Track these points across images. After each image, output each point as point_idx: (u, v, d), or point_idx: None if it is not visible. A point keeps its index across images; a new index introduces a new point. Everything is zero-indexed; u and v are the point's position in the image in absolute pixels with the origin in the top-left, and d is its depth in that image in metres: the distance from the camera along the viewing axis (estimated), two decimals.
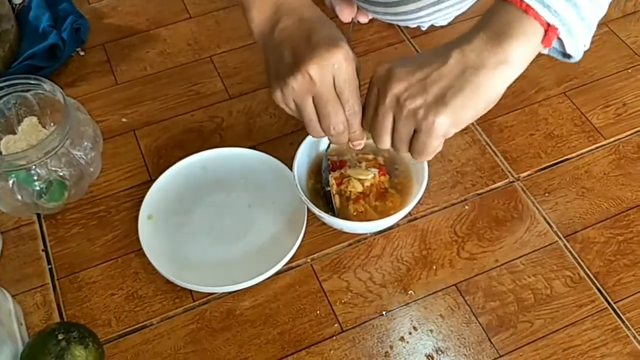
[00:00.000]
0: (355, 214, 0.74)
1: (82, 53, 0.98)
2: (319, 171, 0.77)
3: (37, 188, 0.73)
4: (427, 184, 0.72)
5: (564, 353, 0.69)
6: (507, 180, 0.82)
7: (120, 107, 0.91)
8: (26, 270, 0.76)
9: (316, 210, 0.71)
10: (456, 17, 0.96)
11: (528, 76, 0.92)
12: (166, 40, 1.00)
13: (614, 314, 0.71)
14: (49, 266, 0.76)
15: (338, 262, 0.76)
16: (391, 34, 0.99)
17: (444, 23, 0.97)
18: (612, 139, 0.86)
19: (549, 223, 0.78)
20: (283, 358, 0.69)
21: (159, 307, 0.73)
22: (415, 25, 0.97)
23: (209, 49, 0.98)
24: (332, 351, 0.69)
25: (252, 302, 0.73)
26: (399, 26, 1.00)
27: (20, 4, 1.00)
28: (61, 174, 0.74)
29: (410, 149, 0.59)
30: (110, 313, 0.72)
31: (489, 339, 0.70)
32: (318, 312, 0.72)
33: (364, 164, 0.77)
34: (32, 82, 0.76)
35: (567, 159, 0.84)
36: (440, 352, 0.69)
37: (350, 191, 0.74)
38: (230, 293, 0.73)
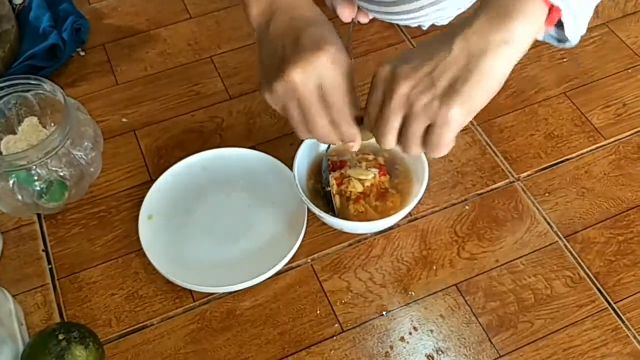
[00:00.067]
0: (355, 214, 0.74)
1: (82, 53, 0.98)
2: (319, 171, 0.77)
3: (38, 188, 0.73)
4: (428, 184, 0.72)
5: (564, 353, 0.69)
6: (507, 181, 0.82)
7: (121, 107, 0.91)
8: (26, 270, 0.76)
9: (316, 211, 0.71)
10: (457, 17, 0.96)
11: (528, 76, 0.93)
12: (166, 41, 1.00)
13: (614, 314, 0.71)
14: (50, 266, 0.76)
15: (338, 262, 0.76)
16: (392, 34, 0.99)
17: (445, 22, 0.97)
18: (612, 139, 0.86)
19: (549, 223, 0.78)
20: (283, 358, 0.69)
21: (159, 307, 0.73)
22: (416, 25, 0.97)
23: (209, 49, 0.98)
24: (332, 351, 0.69)
25: (253, 302, 0.73)
26: (399, 26, 1.00)
27: (20, 4, 1.00)
28: (61, 174, 0.74)
29: (425, 145, 0.57)
30: (110, 313, 0.72)
31: (489, 339, 0.70)
32: (318, 312, 0.72)
33: (364, 164, 0.77)
34: (33, 82, 0.76)
35: (567, 159, 0.84)
36: (440, 352, 0.69)
37: (351, 191, 0.74)
38: (230, 293, 0.73)
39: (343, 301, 0.73)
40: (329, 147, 0.77)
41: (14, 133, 0.78)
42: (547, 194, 0.81)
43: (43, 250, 0.78)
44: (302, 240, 0.75)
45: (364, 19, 0.99)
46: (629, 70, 0.93)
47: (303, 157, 0.76)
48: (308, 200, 0.72)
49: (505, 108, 0.89)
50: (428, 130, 0.56)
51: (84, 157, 0.76)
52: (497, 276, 0.74)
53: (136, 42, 1.00)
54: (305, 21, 0.59)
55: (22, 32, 0.97)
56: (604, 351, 0.69)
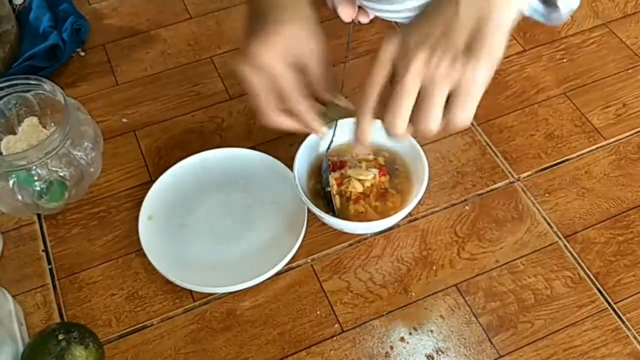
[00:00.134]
0: (355, 214, 0.74)
1: (82, 53, 0.98)
2: (319, 171, 0.77)
3: (38, 188, 0.73)
4: (428, 185, 0.72)
5: (565, 353, 0.69)
6: (507, 181, 0.82)
7: (121, 107, 0.91)
8: (26, 271, 0.76)
9: (316, 211, 0.71)
10: None
11: (528, 77, 0.93)
12: (167, 41, 1.00)
13: (614, 315, 0.71)
14: (49, 266, 0.76)
15: (338, 262, 0.76)
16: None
17: None
18: (612, 140, 0.86)
19: (549, 223, 0.78)
20: (283, 358, 0.69)
21: (159, 307, 0.73)
22: None
23: (210, 50, 0.98)
24: (332, 351, 0.69)
25: (253, 303, 0.73)
26: (399, 26, 1.00)
27: (20, 5, 1.00)
28: (62, 174, 0.74)
29: (449, 114, 0.53)
30: (110, 313, 0.72)
31: (489, 340, 0.70)
32: (318, 312, 0.72)
33: (364, 164, 0.77)
34: (33, 82, 0.76)
35: (567, 160, 0.84)
36: (440, 353, 0.69)
37: (351, 191, 0.74)
38: (230, 293, 0.73)
39: (343, 301, 0.73)
40: (329, 147, 0.77)
41: (14, 133, 0.78)
42: (547, 195, 0.81)
43: (43, 251, 0.78)
44: (302, 241, 0.75)
45: (364, 19, 0.99)
46: (629, 71, 0.93)
47: (303, 157, 0.76)
48: (308, 201, 0.72)
49: (505, 108, 0.89)
50: (451, 98, 0.53)
51: (84, 157, 0.76)
52: (497, 276, 0.74)
53: (136, 42, 1.00)
54: (276, 3, 0.59)
55: (22, 32, 0.97)
56: (604, 351, 0.69)
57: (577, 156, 0.84)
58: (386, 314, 0.72)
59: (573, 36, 0.97)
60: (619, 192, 0.81)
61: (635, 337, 0.70)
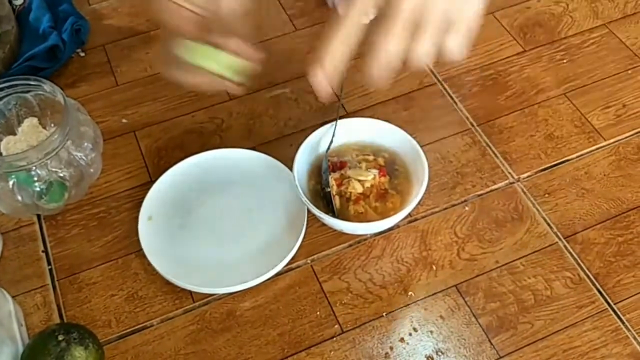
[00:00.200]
0: (355, 214, 0.74)
1: (82, 54, 0.98)
2: (319, 172, 0.77)
3: (37, 189, 0.73)
4: (427, 185, 0.72)
5: (564, 354, 0.69)
6: (507, 181, 0.82)
7: (121, 108, 0.91)
8: (26, 271, 0.76)
9: (316, 211, 0.71)
10: None
11: (528, 77, 0.93)
12: None
13: (614, 315, 0.71)
14: (49, 267, 0.76)
15: (338, 263, 0.76)
16: None
17: None
18: (612, 140, 0.86)
19: (549, 224, 0.78)
20: (283, 359, 0.69)
21: (159, 308, 0.73)
22: None
23: None
24: (332, 352, 0.69)
25: (252, 303, 0.73)
26: None
27: (20, 5, 1.00)
28: (61, 174, 0.74)
29: (442, 46, 0.51)
30: (110, 314, 0.72)
31: (489, 340, 0.70)
32: (318, 313, 0.72)
33: (364, 164, 0.77)
34: (33, 83, 0.76)
35: (567, 160, 0.84)
36: (440, 353, 0.69)
37: (351, 192, 0.74)
38: (230, 294, 0.73)
39: (343, 302, 0.73)
40: (329, 147, 0.77)
41: (14, 134, 0.78)
42: (547, 195, 0.81)
43: (43, 251, 0.78)
44: (302, 241, 0.75)
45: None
46: (629, 71, 0.93)
47: (303, 158, 0.76)
48: (308, 201, 0.72)
49: (505, 109, 0.89)
50: (443, 26, 0.50)
51: (83, 157, 0.76)
52: (497, 277, 0.74)
53: (136, 42, 1.00)
54: None
55: (22, 33, 0.97)
56: (604, 352, 0.69)
57: (577, 157, 0.84)
58: (386, 314, 0.72)
59: (573, 37, 0.97)
60: (619, 192, 0.81)
61: (635, 338, 0.70)
